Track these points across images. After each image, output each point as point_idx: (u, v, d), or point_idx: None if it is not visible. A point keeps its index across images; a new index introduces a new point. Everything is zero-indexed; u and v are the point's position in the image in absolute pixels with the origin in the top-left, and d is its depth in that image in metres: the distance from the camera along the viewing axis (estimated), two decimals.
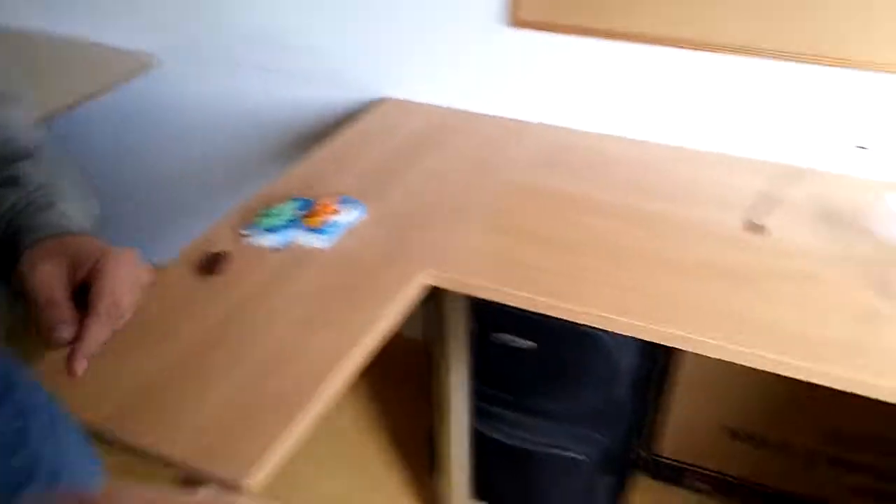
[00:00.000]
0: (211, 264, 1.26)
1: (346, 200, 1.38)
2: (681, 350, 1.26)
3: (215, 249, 1.29)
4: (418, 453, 2.08)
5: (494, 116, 1.77)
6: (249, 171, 2.21)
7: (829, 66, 1.41)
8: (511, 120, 1.75)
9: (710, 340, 1.08)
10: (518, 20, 1.62)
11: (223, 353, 1.09)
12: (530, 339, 1.57)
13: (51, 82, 2.00)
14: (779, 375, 1.05)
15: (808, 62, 1.42)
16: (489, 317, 1.60)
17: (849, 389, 1.02)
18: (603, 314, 1.14)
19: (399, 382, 2.26)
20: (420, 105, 1.83)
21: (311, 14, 1.85)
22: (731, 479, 1.80)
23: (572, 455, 1.66)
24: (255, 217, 1.33)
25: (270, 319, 1.15)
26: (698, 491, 1.88)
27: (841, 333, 1.08)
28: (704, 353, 1.09)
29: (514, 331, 1.58)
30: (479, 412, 1.72)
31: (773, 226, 1.31)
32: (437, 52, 1.76)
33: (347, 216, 1.35)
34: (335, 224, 1.32)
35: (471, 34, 1.70)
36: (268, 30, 1.93)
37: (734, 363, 1.07)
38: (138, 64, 2.04)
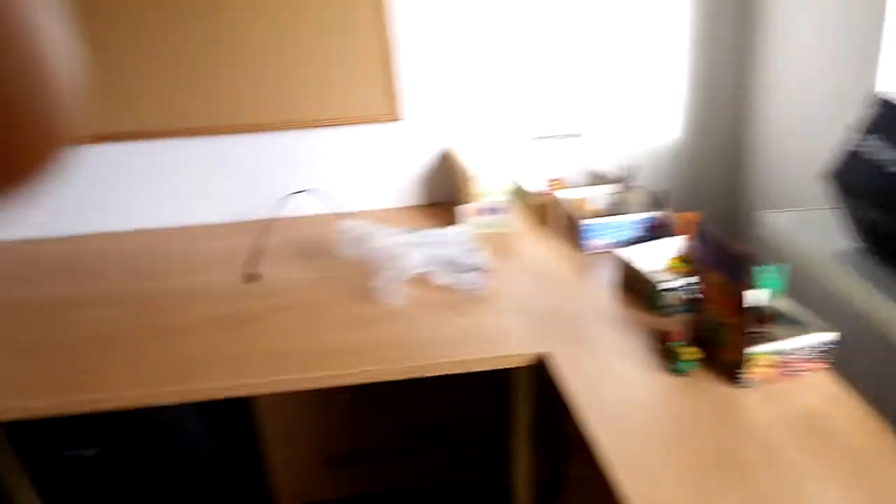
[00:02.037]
0: None
1: None
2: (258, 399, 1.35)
3: None
4: None
5: None
6: None
7: (251, 132, 1.69)
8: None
9: (243, 381, 1.21)
10: None
11: None
12: (92, 447, 1.52)
13: None
14: (334, 393, 1.21)
15: (245, 132, 1.68)
16: (41, 438, 1.50)
17: (373, 380, 1.23)
18: (133, 392, 1.19)
19: None
20: None
21: None
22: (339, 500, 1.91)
23: None
24: None
25: None
26: None
27: (348, 340, 1.30)
28: (246, 394, 1.22)
29: (72, 443, 1.51)
30: None
31: (265, 272, 1.52)
32: None
33: None
34: None
35: None
36: None
37: (310, 398, 1.21)
38: None
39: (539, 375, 1.29)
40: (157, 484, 1.62)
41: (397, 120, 1.70)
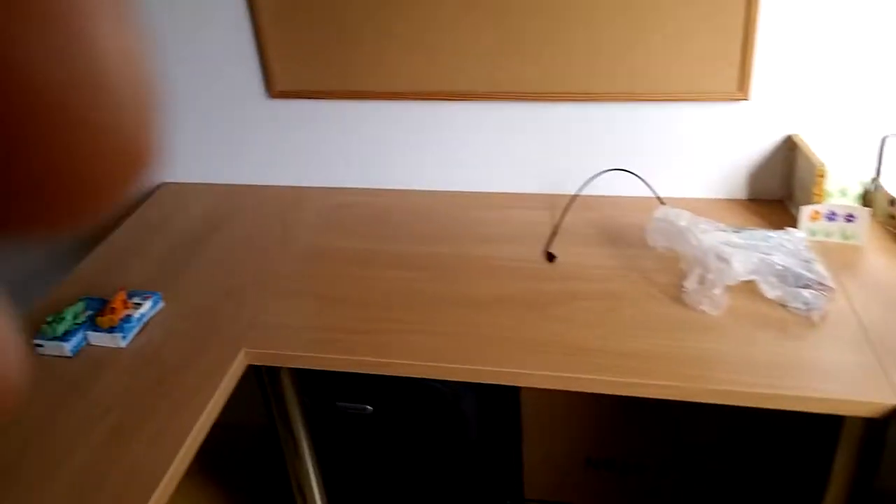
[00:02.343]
0: None
1: (137, 294, 1.31)
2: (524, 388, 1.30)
3: None
4: None
5: (271, 186, 1.76)
6: (30, 269, 2.03)
7: (581, 101, 1.55)
8: (288, 188, 1.75)
9: (537, 372, 1.13)
10: (276, 92, 1.63)
11: (22, 492, 0.98)
12: (367, 404, 1.54)
13: None
14: (619, 396, 1.10)
15: (563, 100, 1.55)
16: (321, 388, 1.55)
17: (677, 398, 1.09)
18: (425, 363, 1.16)
19: (235, 472, 2.14)
20: (197, 186, 1.78)
21: None
22: None
23: None
24: (43, 325, 1.22)
25: (73, 440, 1.05)
26: None
27: (650, 346, 1.15)
28: (537, 386, 1.14)
29: (349, 397, 1.54)
30: (333, 488, 1.66)
31: (564, 252, 1.41)
32: (204, 132, 1.73)
33: (142, 309, 1.28)
34: (130, 320, 1.25)
35: (236, 111, 1.69)
36: None
37: (575, 392, 1.12)
38: None
39: (881, 431, 1.05)
40: (419, 449, 1.60)
41: (743, 100, 1.47)
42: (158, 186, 1.79)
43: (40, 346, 1.21)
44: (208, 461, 1.66)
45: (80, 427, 1.07)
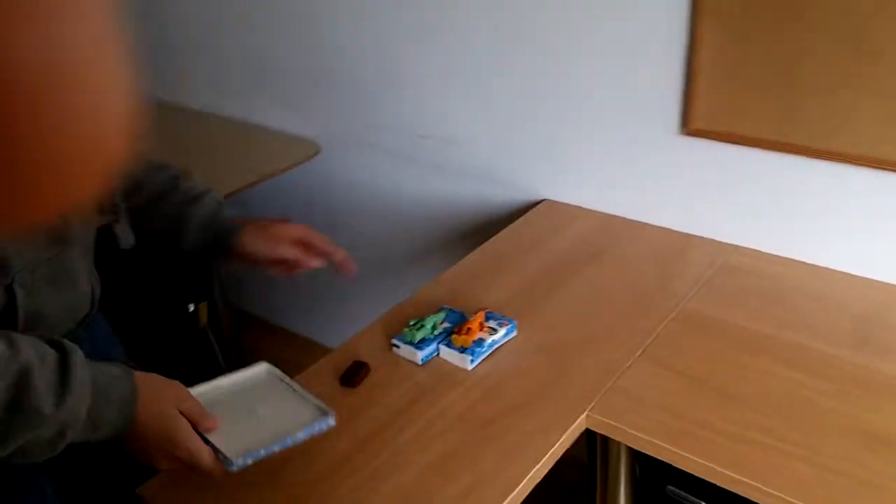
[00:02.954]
0: (351, 376, 1.19)
1: (495, 318, 1.27)
2: None
3: (358, 359, 1.22)
4: None
5: (658, 227, 1.60)
6: (399, 260, 2.16)
7: None
8: (676, 232, 1.57)
9: None
10: (691, 129, 1.46)
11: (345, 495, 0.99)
12: (703, 500, 1.36)
13: (231, 161, 2.07)
14: None
15: None
16: (656, 461, 1.40)
17: None
18: (789, 499, 0.94)
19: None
20: (580, 209, 1.70)
21: (479, 114, 1.79)
22: None
23: None
24: (405, 328, 1.25)
25: (399, 458, 1.03)
26: None
27: None
28: None
29: (684, 486, 1.37)
30: None
31: None
32: (603, 157, 1.64)
33: (496, 335, 1.23)
34: (482, 344, 1.21)
35: (640, 141, 1.57)
36: (431, 125, 1.89)
37: None
38: (305, 150, 2.06)
39: None
40: None
41: None
42: (541, 202, 1.76)
43: (397, 346, 1.23)
44: None
45: (415, 441, 1.06)
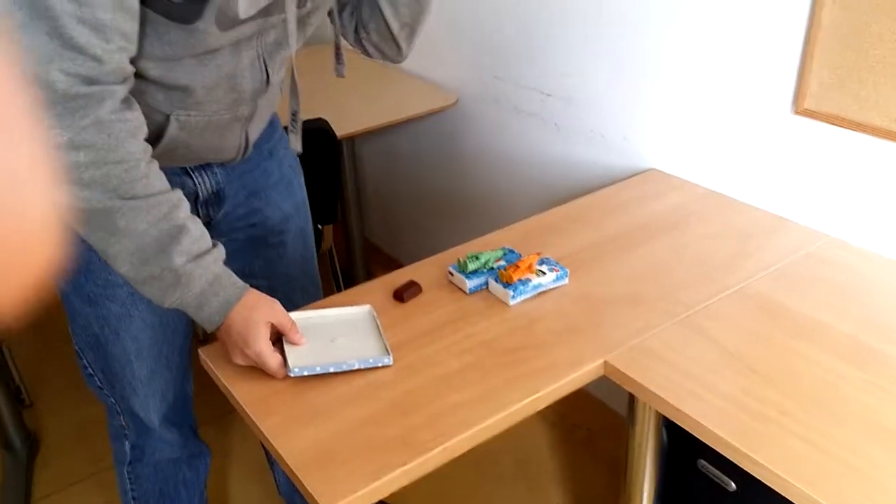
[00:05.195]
0: (401, 292, 1.29)
1: (549, 263, 1.32)
2: None
3: (412, 279, 1.32)
4: None
5: (753, 206, 1.55)
6: (499, 209, 2.23)
7: None
8: (769, 214, 1.52)
9: None
10: (801, 109, 1.41)
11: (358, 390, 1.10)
12: (731, 479, 1.34)
13: (380, 101, 2.22)
14: None
15: None
16: (688, 437, 1.39)
17: None
18: (788, 477, 0.92)
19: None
20: (683, 181, 1.67)
21: (601, 79, 1.81)
22: None
23: None
24: (464, 258, 1.33)
25: (416, 366, 1.13)
26: None
27: None
28: None
29: (715, 462, 1.35)
30: None
31: None
32: (712, 130, 1.61)
33: (543, 279, 1.28)
34: (526, 283, 1.27)
35: (751, 118, 1.52)
36: (555, 84, 1.92)
37: None
38: (445, 99, 2.18)
39: None
40: None
41: None
42: (648, 170, 1.76)
43: (451, 273, 1.32)
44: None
45: (435, 354, 1.14)
